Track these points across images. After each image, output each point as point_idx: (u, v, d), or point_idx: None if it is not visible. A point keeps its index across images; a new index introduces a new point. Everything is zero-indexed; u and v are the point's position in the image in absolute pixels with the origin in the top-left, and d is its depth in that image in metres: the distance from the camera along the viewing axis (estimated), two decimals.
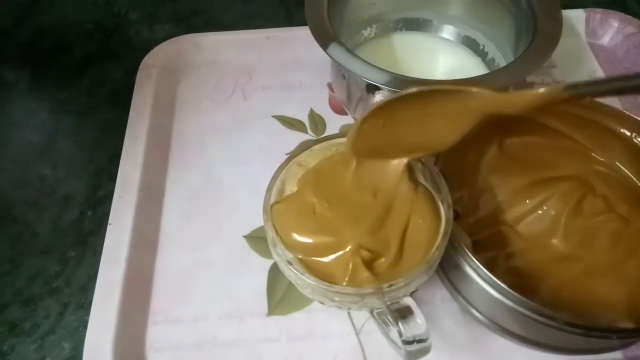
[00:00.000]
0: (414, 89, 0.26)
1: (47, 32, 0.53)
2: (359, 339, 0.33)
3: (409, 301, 0.27)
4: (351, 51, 0.34)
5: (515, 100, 0.25)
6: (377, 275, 0.27)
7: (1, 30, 0.52)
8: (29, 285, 0.36)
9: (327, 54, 0.34)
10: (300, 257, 0.28)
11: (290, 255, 0.28)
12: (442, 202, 0.29)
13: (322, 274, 0.27)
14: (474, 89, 0.26)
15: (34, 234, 0.39)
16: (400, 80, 0.32)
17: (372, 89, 0.35)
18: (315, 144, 0.32)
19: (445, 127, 0.28)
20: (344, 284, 0.27)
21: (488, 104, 0.26)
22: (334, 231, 0.28)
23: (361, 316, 0.34)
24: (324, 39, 0.34)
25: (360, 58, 0.33)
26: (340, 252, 0.28)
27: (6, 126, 0.46)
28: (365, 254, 0.27)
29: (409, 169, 0.30)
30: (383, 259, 0.28)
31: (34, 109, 0.47)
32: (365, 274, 0.27)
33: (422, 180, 0.31)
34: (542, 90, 0.24)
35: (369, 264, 0.27)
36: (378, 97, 0.35)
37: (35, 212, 0.40)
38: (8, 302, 0.36)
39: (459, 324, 0.33)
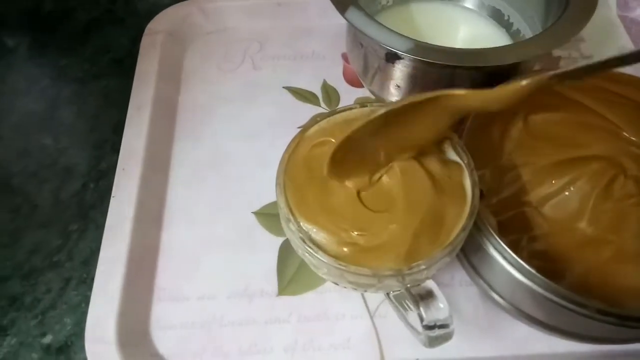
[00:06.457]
0: (380, 111, 0.25)
1: None
2: (373, 322, 0.32)
3: (430, 284, 0.26)
4: (371, 16, 0.32)
5: (498, 96, 0.23)
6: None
7: None
8: (29, 258, 0.35)
9: (345, 18, 0.31)
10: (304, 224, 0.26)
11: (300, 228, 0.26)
12: (468, 180, 0.28)
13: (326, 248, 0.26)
14: (448, 91, 0.24)
15: (34, 206, 0.38)
16: (424, 49, 0.30)
17: (392, 58, 0.33)
18: (328, 117, 0.30)
19: (423, 131, 0.27)
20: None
21: (467, 102, 0.24)
22: (358, 221, 0.26)
23: (376, 298, 0.33)
24: (342, 3, 0.32)
25: (381, 24, 0.31)
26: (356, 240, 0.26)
27: (6, 94, 0.44)
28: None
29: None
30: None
31: (34, 77, 0.45)
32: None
33: (452, 154, 0.29)
34: (524, 82, 0.22)
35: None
36: (398, 67, 0.33)
37: (35, 184, 0.39)
38: (8, 275, 0.35)
39: (479, 308, 0.32)
